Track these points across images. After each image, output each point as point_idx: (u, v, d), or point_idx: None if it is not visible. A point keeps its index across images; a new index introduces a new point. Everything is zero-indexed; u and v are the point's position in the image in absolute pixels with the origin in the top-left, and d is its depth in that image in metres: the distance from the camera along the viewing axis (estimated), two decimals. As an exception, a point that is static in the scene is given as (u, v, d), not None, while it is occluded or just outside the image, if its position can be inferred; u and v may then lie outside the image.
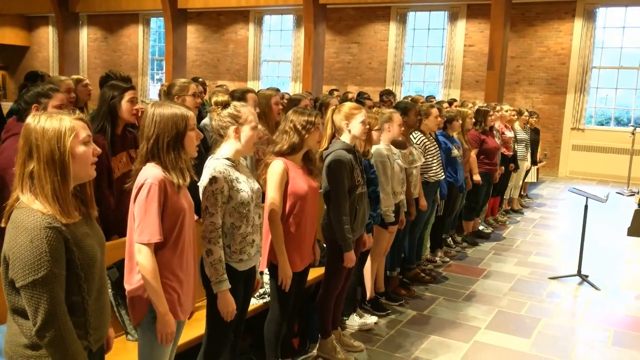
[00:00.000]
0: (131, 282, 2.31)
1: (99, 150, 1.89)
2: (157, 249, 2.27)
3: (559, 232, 7.65)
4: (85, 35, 19.13)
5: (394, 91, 9.63)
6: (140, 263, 2.23)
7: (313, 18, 12.87)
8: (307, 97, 5.92)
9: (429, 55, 14.44)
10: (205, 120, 4.57)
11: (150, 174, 2.25)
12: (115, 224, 3.21)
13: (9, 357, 1.79)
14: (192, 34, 16.78)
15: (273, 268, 3.15)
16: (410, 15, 14.33)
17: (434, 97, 9.73)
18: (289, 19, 15.81)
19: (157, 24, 18.13)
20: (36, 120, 1.77)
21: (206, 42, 16.97)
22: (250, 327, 3.49)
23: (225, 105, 2.79)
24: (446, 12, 13.74)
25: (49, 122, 1.76)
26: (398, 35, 14.29)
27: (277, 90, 5.67)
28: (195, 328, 3.00)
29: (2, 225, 1.77)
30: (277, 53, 16.36)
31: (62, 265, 1.73)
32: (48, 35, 19.95)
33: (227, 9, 15.81)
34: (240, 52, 16.45)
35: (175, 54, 14.99)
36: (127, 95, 3.34)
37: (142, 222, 2.22)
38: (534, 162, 9.24)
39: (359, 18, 14.71)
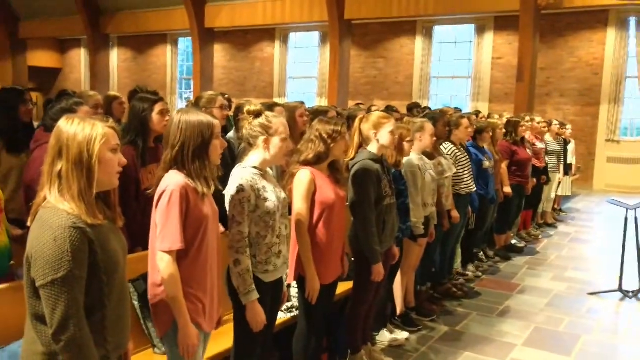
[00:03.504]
0: (155, 293, 2.26)
1: (124, 160, 1.87)
2: (180, 257, 2.21)
3: (596, 246, 7.37)
4: (115, 56, 19.58)
5: (421, 105, 9.51)
6: (162, 271, 2.18)
7: (338, 34, 12.90)
8: (333, 109, 5.88)
9: (456, 68, 14.31)
10: (231, 134, 4.56)
11: (172, 181, 2.22)
12: (140, 236, 3.16)
13: None
14: (219, 52, 17.00)
15: (301, 280, 3.06)
16: (437, 29, 14.24)
17: (460, 110, 9.55)
18: (315, 35, 15.90)
19: (185, 43, 18.45)
20: (69, 123, 1.78)
21: (233, 60, 17.17)
22: (279, 341, 3.41)
23: (257, 114, 2.75)
24: (473, 25, 13.62)
25: (82, 125, 1.77)
26: (424, 49, 14.21)
27: (302, 103, 5.64)
28: (221, 342, 2.93)
29: (29, 224, 1.76)
30: (302, 70, 16.43)
31: (84, 268, 1.70)
32: (80, 57, 20.49)
33: (254, 28, 15.99)
34: (266, 70, 16.59)
35: (203, 73, 15.20)
36: (157, 107, 3.36)
37: (164, 229, 2.18)
38: (566, 172, 8.97)
39: (385, 33, 14.69)
